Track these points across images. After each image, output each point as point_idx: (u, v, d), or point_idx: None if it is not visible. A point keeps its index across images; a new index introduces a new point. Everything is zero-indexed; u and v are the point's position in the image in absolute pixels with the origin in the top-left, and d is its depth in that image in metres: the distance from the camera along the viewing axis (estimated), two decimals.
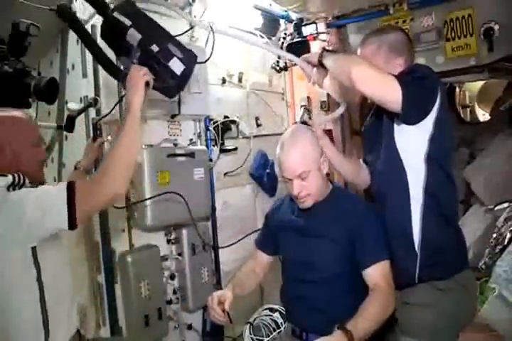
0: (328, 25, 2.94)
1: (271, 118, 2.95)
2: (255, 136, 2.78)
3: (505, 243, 2.76)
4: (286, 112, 3.15)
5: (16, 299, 1.21)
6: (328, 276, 1.52)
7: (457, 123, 4.03)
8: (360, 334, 1.29)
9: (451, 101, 4.00)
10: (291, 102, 3.16)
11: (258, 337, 2.27)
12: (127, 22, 1.50)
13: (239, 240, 2.29)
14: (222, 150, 2.55)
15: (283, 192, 1.77)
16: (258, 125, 2.85)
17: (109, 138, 1.93)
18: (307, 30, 2.89)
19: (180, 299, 2.22)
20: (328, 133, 2.88)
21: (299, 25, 2.91)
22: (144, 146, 2.00)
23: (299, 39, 2.88)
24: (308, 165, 1.51)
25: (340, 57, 1.54)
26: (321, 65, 1.56)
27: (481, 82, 3.89)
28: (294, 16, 2.96)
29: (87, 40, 1.64)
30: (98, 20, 1.95)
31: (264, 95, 2.92)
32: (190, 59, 1.59)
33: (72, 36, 2.06)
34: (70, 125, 1.79)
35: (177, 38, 1.62)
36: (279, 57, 2.98)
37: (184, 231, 2.21)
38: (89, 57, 1.96)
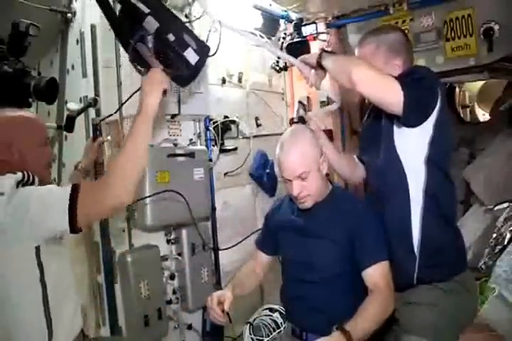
0: (328, 25, 2.94)
1: (271, 119, 2.95)
2: (255, 136, 2.78)
3: (505, 243, 2.76)
4: (285, 112, 3.15)
5: (18, 299, 1.20)
6: (328, 276, 1.52)
7: (457, 123, 4.03)
8: (359, 335, 1.30)
9: (451, 101, 4.00)
10: (291, 102, 3.16)
11: (258, 337, 2.27)
12: (145, 9, 1.50)
13: (240, 242, 2.29)
14: (222, 150, 2.55)
15: (283, 192, 1.77)
16: (258, 125, 2.85)
17: (108, 138, 1.93)
18: (307, 30, 2.89)
19: (180, 299, 2.21)
20: (328, 133, 2.89)
21: (298, 25, 2.91)
22: None
23: (299, 39, 2.88)
24: (308, 165, 1.51)
25: (339, 58, 1.54)
26: (319, 66, 1.55)
27: (481, 82, 3.89)
28: (293, 16, 2.96)
29: (105, 6, 1.64)
30: (98, 20, 1.96)
31: (264, 95, 2.92)
32: (203, 50, 1.63)
33: (72, 36, 2.07)
34: (69, 125, 1.79)
35: None
36: (278, 58, 2.98)
37: (184, 231, 2.20)
38: (88, 57, 1.97)
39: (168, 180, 2.03)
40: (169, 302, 2.16)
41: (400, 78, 1.39)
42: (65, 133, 2.05)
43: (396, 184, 1.48)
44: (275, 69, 3.02)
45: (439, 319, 1.43)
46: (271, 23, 2.92)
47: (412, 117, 1.38)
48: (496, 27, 2.33)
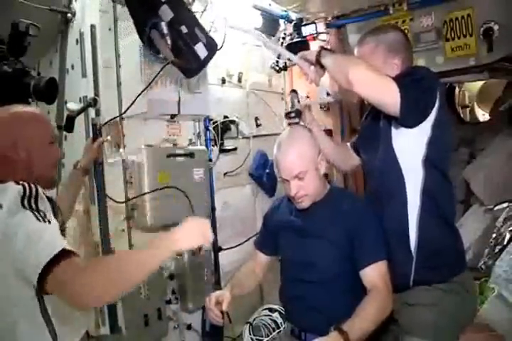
0: (328, 25, 2.94)
1: (270, 119, 2.95)
2: (255, 136, 2.77)
3: (505, 243, 2.76)
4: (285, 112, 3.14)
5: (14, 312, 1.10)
6: (327, 276, 1.51)
7: (457, 123, 4.03)
8: (357, 335, 1.29)
9: (451, 101, 4.00)
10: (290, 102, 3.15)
11: (258, 337, 2.27)
12: None
13: (242, 243, 2.29)
14: (222, 151, 2.55)
15: (282, 193, 1.77)
16: (258, 125, 2.85)
17: (108, 138, 1.93)
18: (307, 30, 2.88)
19: (180, 299, 2.21)
20: (328, 132, 2.89)
21: (298, 25, 2.90)
22: (143, 146, 2.01)
23: (299, 39, 2.88)
24: (305, 165, 1.51)
25: (338, 57, 1.53)
26: (318, 63, 1.55)
27: (481, 82, 3.89)
28: (293, 16, 2.95)
29: None
30: (98, 20, 1.96)
31: (264, 95, 2.92)
32: (212, 46, 1.67)
33: (72, 36, 2.07)
34: (69, 125, 1.79)
35: None
36: (278, 57, 2.98)
37: None
38: (88, 57, 1.97)
39: (168, 180, 2.03)
40: (169, 302, 2.16)
41: (398, 78, 1.38)
42: (64, 133, 2.05)
43: (393, 184, 1.48)
44: (275, 69, 3.02)
45: (439, 319, 1.42)
46: (271, 23, 2.92)
47: (409, 118, 1.38)
48: (496, 27, 2.33)
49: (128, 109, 1.90)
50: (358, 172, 2.97)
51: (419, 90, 1.37)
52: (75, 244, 1.97)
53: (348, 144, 1.82)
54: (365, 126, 1.74)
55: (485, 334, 2.32)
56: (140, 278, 1.06)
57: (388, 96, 1.35)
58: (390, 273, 1.46)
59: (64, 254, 0.99)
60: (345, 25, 2.92)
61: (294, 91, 1.88)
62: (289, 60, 2.78)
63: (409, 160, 1.45)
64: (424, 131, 1.41)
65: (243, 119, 2.70)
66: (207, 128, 2.45)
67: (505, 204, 3.10)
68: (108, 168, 1.99)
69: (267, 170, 2.76)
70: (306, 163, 1.51)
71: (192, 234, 1.18)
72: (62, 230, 1.23)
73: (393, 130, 1.46)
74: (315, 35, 2.89)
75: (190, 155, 2.17)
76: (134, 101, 1.86)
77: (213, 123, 2.48)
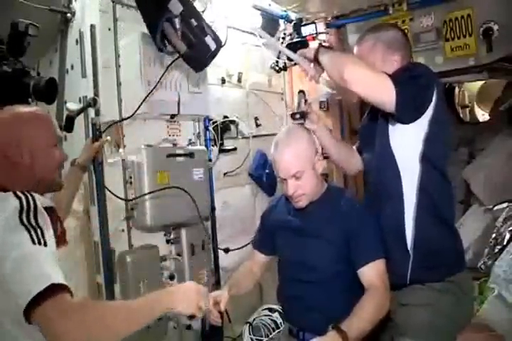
0: (328, 25, 2.94)
1: (270, 119, 2.95)
2: (254, 136, 2.78)
3: (504, 243, 2.76)
4: (285, 112, 3.14)
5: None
6: (325, 276, 1.51)
7: (456, 123, 4.02)
8: (355, 334, 1.29)
9: (451, 101, 4.00)
10: (291, 102, 3.16)
11: (257, 337, 2.28)
12: None
13: (246, 245, 2.29)
14: (222, 151, 2.55)
15: (282, 193, 1.78)
16: (257, 125, 2.85)
17: (108, 138, 1.93)
18: (306, 30, 2.89)
19: None
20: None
21: (298, 25, 2.90)
22: (143, 146, 2.01)
23: (299, 39, 2.88)
24: (302, 165, 1.51)
25: (335, 54, 1.53)
26: (316, 60, 1.55)
27: (481, 82, 3.89)
28: (293, 16, 2.95)
29: None
30: (97, 20, 1.96)
31: (264, 95, 2.92)
32: (218, 41, 1.69)
33: (72, 36, 2.06)
34: (69, 125, 1.79)
35: None
36: (278, 57, 2.98)
37: (183, 232, 2.20)
38: (88, 57, 1.97)
39: (168, 180, 2.03)
40: None
41: (394, 75, 1.39)
42: (64, 133, 2.05)
43: (390, 181, 1.48)
44: (275, 70, 3.02)
45: (434, 320, 1.42)
46: (270, 23, 2.92)
47: (405, 114, 1.38)
48: (496, 27, 2.33)
49: (133, 114, 1.91)
50: (358, 173, 2.97)
51: (415, 86, 1.37)
52: (75, 244, 1.98)
53: (354, 147, 1.82)
54: (364, 124, 1.75)
55: (485, 335, 2.32)
56: (126, 333, 0.99)
57: (384, 94, 1.35)
58: (387, 271, 1.46)
59: (52, 289, 0.92)
60: (345, 25, 2.92)
61: (302, 92, 1.88)
62: (289, 59, 2.78)
63: (406, 157, 1.45)
64: (421, 127, 1.41)
65: (243, 119, 2.70)
66: (207, 128, 2.46)
67: (504, 204, 3.10)
68: (108, 168, 1.99)
69: (267, 170, 2.76)
70: (303, 163, 1.51)
71: (188, 300, 1.14)
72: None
73: (390, 126, 1.46)
74: (315, 35, 2.89)
75: (190, 155, 2.17)
76: (140, 104, 1.90)
77: (213, 123, 2.48)
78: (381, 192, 1.54)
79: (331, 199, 1.59)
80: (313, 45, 2.88)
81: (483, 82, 3.82)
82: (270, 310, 2.44)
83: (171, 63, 1.95)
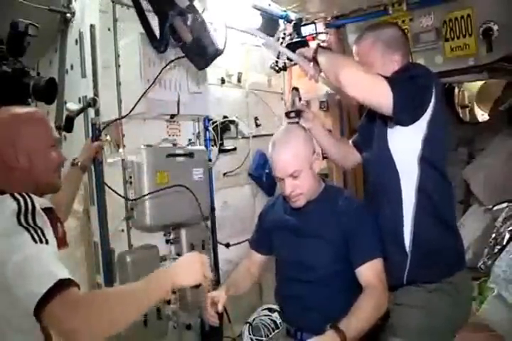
0: (327, 25, 2.94)
1: (270, 119, 2.95)
2: (254, 136, 2.78)
3: (504, 243, 2.76)
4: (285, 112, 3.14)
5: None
6: (324, 276, 1.51)
7: (456, 123, 4.03)
8: (354, 333, 1.29)
9: (450, 101, 4.00)
10: (290, 102, 3.15)
11: (257, 337, 2.28)
12: None
13: (243, 241, 2.30)
14: (222, 151, 2.55)
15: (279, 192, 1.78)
16: (257, 125, 2.85)
17: (108, 138, 1.93)
18: (306, 30, 2.88)
19: (179, 299, 2.21)
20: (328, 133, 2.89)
21: (298, 25, 2.90)
22: (143, 146, 2.01)
23: (298, 39, 2.88)
24: (300, 164, 1.51)
25: (332, 56, 1.52)
26: (315, 60, 1.55)
27: (480, 82, 3.89)
28: (293, 16, 2.95)
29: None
30: (97, 20, 1.96)
31: (263, 95, 2.92)
32: (221, 40, 1.74)
33: (71, 36, 2.07)
34: (68, 125, 1.79)
35: None
36: (277, 57, 2.98)
37: (183, 232, 2.20)
38: (88, 57, 1.97)
39: (168, 180, 2.03)
40: (168, 302, 2.16)
41: (392, 77, 1.38)
42: (63, 133, 2.05)
43: (388, 182, 1.48)
44: (274, 70, 3.02)
45: (428, 321, 1.41)
46: (270, 23, 2.92)
47: (403, 116, 1.37)
48: (495, 27, 2.33)
49: (131, 111, 1.91)
50: (358, 173, 2.97)
51: (412, 88, 1.36)
52: (75, 244, 1.98)
53: (350, 141, 1.82)
54: (362, 125, 1.74)
55: (484, 334, 2.32)
56: (136, 316, 1.01)
57: (380, 97, 1.35)
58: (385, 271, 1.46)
59: (61, 285, 0.91)
60: (345, 25, 2.92)
61: (295, 89, 1.86)
62: (289, 59, 2.79)
63: (405, 158, 1.45)
64: (419, 128, 1.40)
65: (242, 119, 2.70)
66: (206, 128, 2.46)
67: (504, 204, 3.10)
68: (107, 168, 1.99)
69: (267, 170, 2.76)
70: (300, 162, 1.51)
71: (191, 270, 1.13)
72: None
73: (388, 127, 1.46)
74: (314, 35, 2.89)
75: (190, 155, 2.17)
76: (137, 102, 1.89)
77: (213, 123, 2.49)
78: (380, 193, 1.53)
79: (329, 199, 1.58)
80: (313, 45, 2.88)
81: (482, 82, 3.82)
82: (270, 310, 2.45)
83: (174, 60, 1.96)
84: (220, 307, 1.49)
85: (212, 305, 1.49)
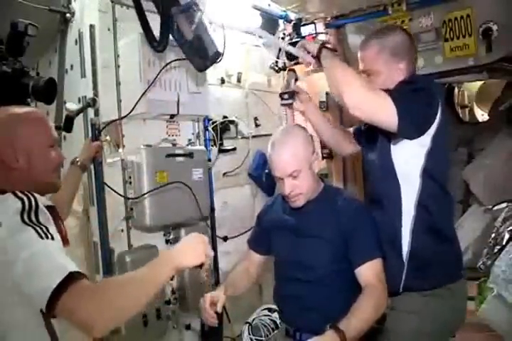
0: (327, 26, 2.94)
1: (270, 119, 2.95)
2: (254, 136, 2.77)
3: (504, 243, 2.76)
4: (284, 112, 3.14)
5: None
6: (323, 276, 1.51)
7: (456, 123, 4.03)
8: (353, 333, 1.29)
9: (450, 101, 4.00)
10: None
11: (257, 337, 2.27)
12: None
13: (242, 233, 2.30)
14: (221, 151, 2.55)
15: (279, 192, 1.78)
16: (257, 125, 2.85)
17: (108, 138, 1.93)
18: (306, 30, 2.89)
19: (179, 299, 2.21)
20: None
21: (297, 25, 2.90)
22: (142, 146, 2.01)
23: (298, 39, 2.87)
24: (299, 164, 1.51)
25: (335, 64, 1.48)
26: (318, 59, 1.54)
27: (480, 82, 3.89)
28: (292, 16, 2.95)
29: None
30: (97, 20, 1.96)
31: (263, 95, 2.92)
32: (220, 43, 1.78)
33: (71, 36, 2.06)
34: (68, 125, 1.79)
35: None
36: (277, 57, 2.98)
37: (183, 232, 2.20)
38: (87, 57, 1.97)
39: (167, 180, 2.03)
40: (168, 302, 2.16)
41: (396, 91, 1.37)
42: (63, 133, 2.05)
43: (389, 193, 1.49)
44: (274, 70, 3.02)
45: (422, 327, 1.42)
46: (270, 23, 2.92)
47: (408, 132, 1.37)
48: (495, 27, 2.33)
49: (131, 111, 1.91)
50: (358, 173, 2.97)
51: (417, 104, 1.35)
52: (75, 244, 1.98)
53: (351, 129, 1.81)
54: (365, 129, 1.72)
55: (484, 334, 2.32)
56: (145, 301, 1.02)
57: (385, 116, 1.34)
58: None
59: (72, 277, 0.93)
60: (345, 25, 2.92)
61: (292, 70, 1.84)
62: (288, 59, 2.79)
63: (407, 171, 1.45)
64: (424, 142, 1.40)
65: (242, 119, 2.70)
66: (206, 129, 2.46)
67: (504, 205, 3.09)
68: (107, 168, 1.99)
69: (266, 170, 2.75)
70: (299, 162, 1.51)
71: (192, 250, 1.15)
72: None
73: (392, 139, 1.46)
74: (314, 35, 2.89)
75: (190, 155, 2.17)
76: (137, 102, 1.89)
77: (212, 123, 2.49)
78: (380, 201, 1.54)
79: (328, 199, 1.59)
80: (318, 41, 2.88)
81: (482, 82, 3.82)
82: (270, 310, 2.44)
83: (173, 61, 1.95)
84: (219, 308, 1.49)
85: (210, 306, 1.48)
